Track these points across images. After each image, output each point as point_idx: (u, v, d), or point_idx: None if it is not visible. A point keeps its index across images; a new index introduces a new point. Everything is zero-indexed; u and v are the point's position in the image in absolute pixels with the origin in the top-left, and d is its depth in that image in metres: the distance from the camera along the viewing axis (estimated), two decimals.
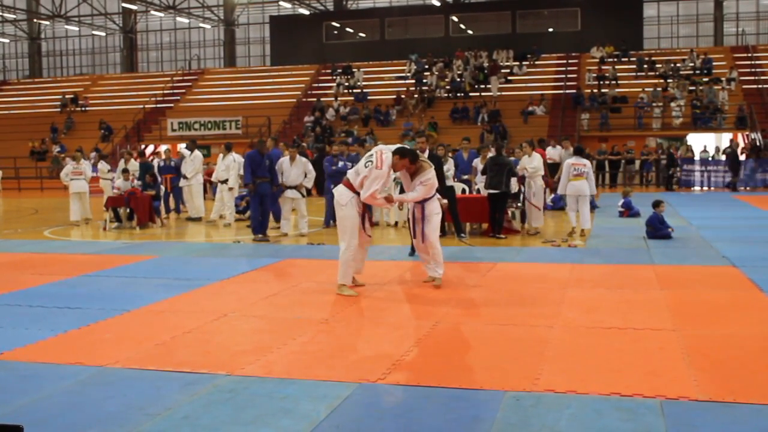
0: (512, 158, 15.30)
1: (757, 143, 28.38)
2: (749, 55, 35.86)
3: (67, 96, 41.74)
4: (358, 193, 8.33)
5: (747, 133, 30.16)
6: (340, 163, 15.54)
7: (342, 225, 8.47)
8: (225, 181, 16.75)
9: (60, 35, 52.33)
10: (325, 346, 6.32)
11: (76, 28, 49.47)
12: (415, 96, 35.48)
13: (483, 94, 35.32)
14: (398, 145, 8.78)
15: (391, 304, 7.96)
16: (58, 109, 40.98)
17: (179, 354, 6.11)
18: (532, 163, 14.40)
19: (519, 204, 14.52)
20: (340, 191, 8.49)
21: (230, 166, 16.62)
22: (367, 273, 9.76)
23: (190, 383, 5.31)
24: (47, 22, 49.23)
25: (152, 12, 45.73)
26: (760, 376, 5.36)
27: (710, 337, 6.45)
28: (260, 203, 13.72)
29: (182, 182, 17.92)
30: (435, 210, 8.77)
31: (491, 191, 13.41)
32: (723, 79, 33.30)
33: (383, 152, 8.32)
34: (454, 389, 5.14)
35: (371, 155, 8.36)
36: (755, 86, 33.16)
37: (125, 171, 17.36)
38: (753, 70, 34.33)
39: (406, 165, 8.46)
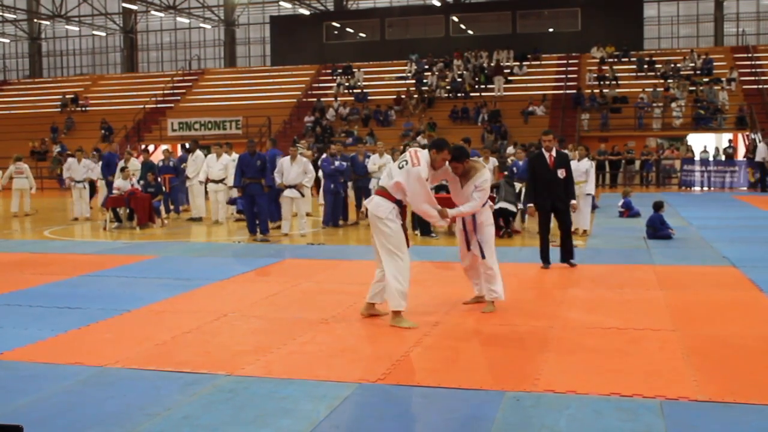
0: (512, 159, 15.35)
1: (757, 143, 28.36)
2: (749, 55, 35.82)
3: (67, 96, 41.71)
4: (396, 202, 7.08)
5: (747, 133, 30.15)
6: (336, 163, 15.57)
7: (388, 242, 7.02)
8: (221, 181, 16.73)
9: (60, 35, 52.30)
10: (325, 346, 6.32)
11: (77, 28, 49.45)
12: (415, 96, 35.46)
13: (483, 94, 35.31)
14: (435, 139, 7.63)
15: None
16: (59, 109, 40.95)
17: (179, 354, 6.11)
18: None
19: (519, 204, 14.54)
20: (376, 202, 7.14)
21: (228, 165, 16.67)
22: (367, 273, 9.76)
23: (190, 383, 5.32)
24: (47, 22, 49.23)
25: (152, 12, 45.71)
26: (760, 376, 5.36)
27: (710, 337, 6.45)
28: (252, 203, 13.77)
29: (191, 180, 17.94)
30: (487, 221, 7.58)
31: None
32: (723, 79, 33.28)
33: (418, 150, 7.22)
34: (453, 389, 5.14)
35: (405, 155, 7.25)
36: (755, 86, 33.12)
37: (123, 169, 17.30)
38: (753, 70, 34.29)
39: (447, 160, 7.26)
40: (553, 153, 10.09)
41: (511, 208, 13.67)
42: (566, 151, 12.95)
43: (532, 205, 10.26)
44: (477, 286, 7.82)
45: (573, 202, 10.33)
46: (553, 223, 10.27)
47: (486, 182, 7.37)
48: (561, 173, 10.02)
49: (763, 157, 25.29)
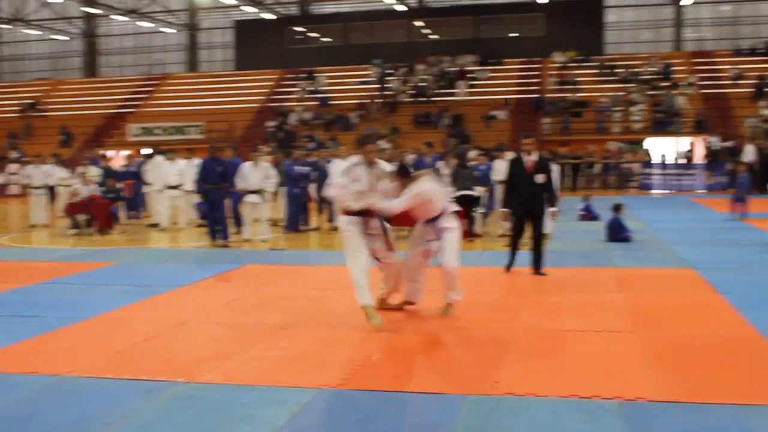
0: (474, 163, 15.44)
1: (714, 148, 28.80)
2: (708, 60, 36.38)
3: (26, 101, 41.15)
4: (355, 213, 7.29)
5: (705, 137, 30.58)
6: (296, 168, 15.54)
7: (347, 246, 7.34)
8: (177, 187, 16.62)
9: (19, 39, 51.58)
10: (286, 351, 6.30)
11: (36, 32, 48.81)
12: (379, 101, 35.48)
13: (446, 98, 35.45)
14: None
15: (351, 309, 7.89)
16: (17, 115, 40.37)
17: (138, 362, 6.05)
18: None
19: (480, 208, 14.63)
20: (339, 218, 7.70)
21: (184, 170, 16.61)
22: (327, 278, 9.77)
23: (148, 391, 5.27)
24: (7, 26, 48.47)
25: (113, 16, 45.26)
26: (717, 376, 5.44)
27: (668, 338, 6.53)
28: (213, 209, 13.68)
29: (145, 188, 17.82)
30: (451, 225, 7.47)
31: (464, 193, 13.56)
32: (682, 83, 33.74)
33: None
34: (414, 393, 5.15)
35: None
36: (714, 91, 33.62)
37: (82, 175, 17.08)
38: (711, 75, 34.81)
39: (372, 151, 7.40)
40: (534, 157, 9.81)
41: (473, 193, 13.69)
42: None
43: (506, 210, 10.07)
44: (414, 290, 7.79)
45: (553, 209, 10.05)
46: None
47: (420, 189, 7.26)
48: (539, 178, 9.70)
49: (751, 158, 25.61)
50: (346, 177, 7.33)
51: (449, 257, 7.40)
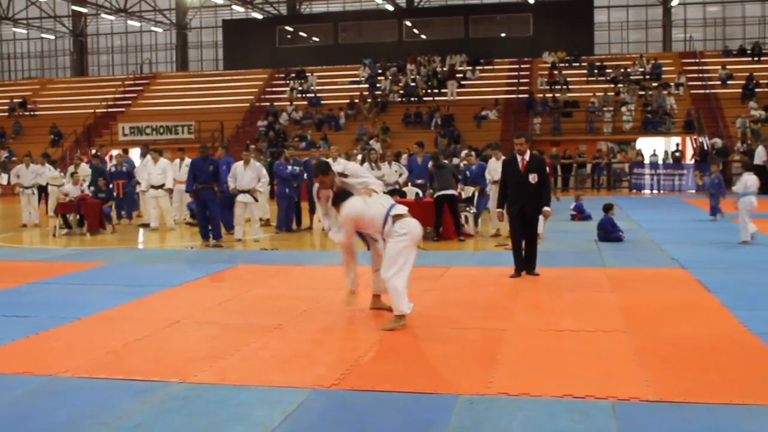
0: (465, 163, 15.46)
1: (705, 147, 28.91)
2: (696, 60, 36.52)
3: (15, 100, 40.98)
4: None
5: (695, 137, 30.71)
6: (289, 168, 15.52)
7: None
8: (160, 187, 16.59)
9: (8, 38, 51.38)
10: (279, 351, 6.29)
11: (25, 31, 48.62)
12: (369, 101, 35.48)
13: (437, 98, 35.47)
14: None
15: (344, 308, 7.91)
16: (6, 114, 40.20)
17: (131, 362, 6.04)
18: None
19: (472, 208, 14.64)
20: None
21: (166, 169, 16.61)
22: (320, 278, 9.76)
23: (141, 391, 5.25)
24: None
25: (103, 15, 45.12)
26: (710, 376, 5.47)
27: (660, 337, 6.55)
28: (204, 208, 13.66)
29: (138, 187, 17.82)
30: (396, 237, 7.01)
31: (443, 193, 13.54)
32: (671, 84, 33.86)
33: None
34: (407, 393, 5.15)
35: None
36: (702, 91, 33.76)
37: (73, 175, 17.01)
38: (700, 75, 34.95)
39: (332, 180, 7.60)
40: (527, 157, 9.71)
41: (451, 192, 13.70)
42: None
43: (500, 210, 10.09)
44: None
45: (546, 209, 9.81)
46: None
47: (342, 217, 7.33)
48: (533, 178, 9.60)
49: (763, 160, 25.71)
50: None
51: (384, 267, 7.11)
